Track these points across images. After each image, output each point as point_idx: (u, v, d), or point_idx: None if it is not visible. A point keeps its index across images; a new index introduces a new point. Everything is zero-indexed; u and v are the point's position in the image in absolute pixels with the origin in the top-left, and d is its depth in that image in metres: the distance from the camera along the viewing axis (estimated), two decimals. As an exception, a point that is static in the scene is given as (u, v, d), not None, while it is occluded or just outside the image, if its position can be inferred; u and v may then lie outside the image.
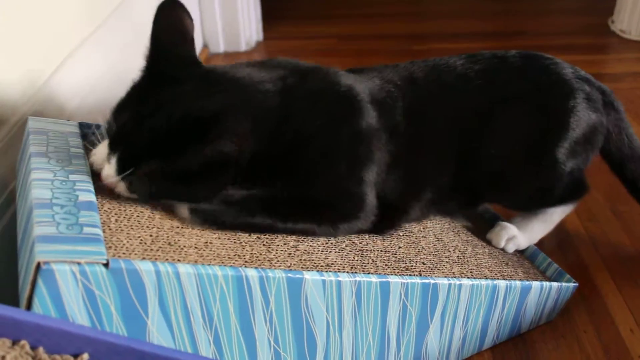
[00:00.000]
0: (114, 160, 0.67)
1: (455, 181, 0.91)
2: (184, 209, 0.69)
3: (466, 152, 0.90)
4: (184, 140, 0.65)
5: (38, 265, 0.51)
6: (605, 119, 0.97)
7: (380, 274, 0.74)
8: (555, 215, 1.02)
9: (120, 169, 0.66)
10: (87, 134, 0.79)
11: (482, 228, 1.02)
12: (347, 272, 0.72)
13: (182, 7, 0.72)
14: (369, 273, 0.73)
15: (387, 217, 0.83)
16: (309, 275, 0.65)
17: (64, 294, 0.53)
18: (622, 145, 1.02)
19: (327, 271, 0.68)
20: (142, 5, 1.35)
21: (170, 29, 0.72)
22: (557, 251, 1.08)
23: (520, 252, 1.01)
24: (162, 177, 0.66)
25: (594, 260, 1.06)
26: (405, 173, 0.86)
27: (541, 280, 0.92)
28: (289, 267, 0.68)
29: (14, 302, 0.56)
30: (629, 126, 1.03)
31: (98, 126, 0.79)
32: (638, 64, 1.85)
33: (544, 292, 0.89)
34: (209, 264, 0.62)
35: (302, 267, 0.69)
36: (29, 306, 0.52)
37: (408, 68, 0.93)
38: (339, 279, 0.67)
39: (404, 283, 0.73)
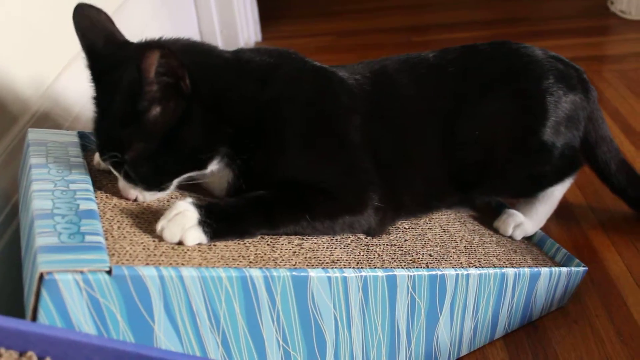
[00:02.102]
0: (108, 163, 0.68)
1: (447, 174, 0.90)
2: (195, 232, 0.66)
3: (450, 142, 0.89)
4: (132, 100, 0.65)
5: (41, 276, 0.51)
6: (583, 95, 0.95)
7: (386, 267, 0.73)
8: (556, 193, 1.01)
9: (117, 168, 0.68)
10: (87, 143, 0.79)
11: (488, 217, 1.01)
12: (353, 267, 0.72)
13: (90, 7, 0.74)
14: (375, 267, 0.73)
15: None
16: (313, 273, 0.65)
17: (68, 303, 0.53)
18: (597, 127, 1.00)
19: (332, 267, 0.67)
20: (137, 10, 1.36)
21: (90, 29, 0.73)
22: (564, 235, 1.07)
23: (528, 239, 1.01)
24: (146, 149, 0.67)
25: (602, 242, 1.06)
26: (387, 162, 0.85)
27: (550, 266, 0.91)
28: (294, 265, 0.68)
29: (21, 313, 0.56)
30: (599, 109, 1.01)
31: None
32: (640, 43, 1.83)
33: (553, 277, 0.88)
34: (213, 267, 0.62)
35: (307, 265, 0.69)
36: (34, 317, 0.52)
37: (380, 62, 0.93)
38: (345, 274, 0.67)
39: (411, 276, 0.72)
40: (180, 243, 0.64)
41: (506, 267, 0.85)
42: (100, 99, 0.71)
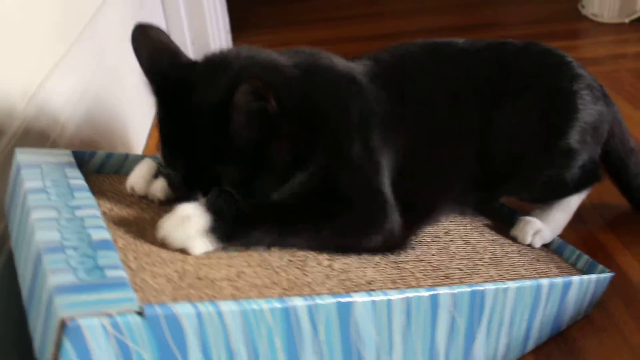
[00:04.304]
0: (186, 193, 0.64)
1: (475, 170, 0.87)
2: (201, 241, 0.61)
3: (483, 137, 0.86)
4: (221, 124, 0.62)
5: (62, 323, 0.43)
6: (607, 108, 0.95)
7: (425, 286, 0.68)
8: (572, 203, 0.99)
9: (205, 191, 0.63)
10: (83, 162, 0.71)
11: (502, 225, 0.97)
12: (391, 288, 0.66)
13: (150, 27, 0.70)
14: (413, 287, 0.67)
15: (407, 222, 0.77)
16: (359, 298, 0.58)
17: (94, 352, 0.45)
18: (623, 139, 0.99)
19: (375, 290, 0.61)
20: (107, 21, 1.27)
21: (153, 51, 0.69)
22: (574, 240, 1.04)
23: (546, 246, 0.97)
24: (239, 174, 0.64)
25: (615, 246, 1.03)
26: (421, 163, 0.81)
27: (575, 274, 0.88)
28: (330, 289, 0.61)
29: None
30: (623, 121, 1.01)
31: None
32: (616, 46, 1.85)
33: (583, 286, 0.84)
34: (247, 297, 0.55)
35: (343, 288, 0.63)
36: (54, 372, 0.44)
37: (406, 51, 0.90)
38: (390, 297, 0.61)
39: (453, 293, 0.67)
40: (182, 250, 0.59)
41: (536, 277, 0.81)
42: (176, 126, 0.66)
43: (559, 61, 0.92)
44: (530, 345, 0.84)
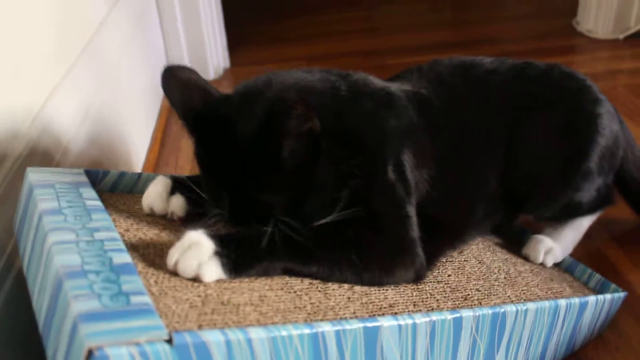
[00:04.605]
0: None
1: (499, 193, 0.87)
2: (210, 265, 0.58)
3: (506, 158, 0.87)
4: (266, 153, 0.62)
5: (90, 353, 0.41)
6: (622, 131, 0.96)
7: (445, 308, 0.67)
8: (584, 224, 0.99)
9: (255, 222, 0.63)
10: (95, 181, 0.69)
11: (512, 244, 0.96)
12: (412, 311, 0.64)
13: (177, 68, 0.69)
14: (434, 309, 0.66)
15: (433, 243, 0.76)
16: (386, 322, 0.57)
17: (121, 383, 0.43)
18: (637, 163, 1.01)
19: (401, 314, 0.60)
20: (108, 40, 1.26)
21: (183, 92, 0.69)
22: (584, 257, 1.04)
23: (557, 265, 0.96)
24: (286, 200, 0.63)
25: (623, 263, 1.03)
26: (449, 184, 0.80)
27: (588, 293, 0.87)
28: (354, 313, 0.60)
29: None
30: (635, 145, 1.03)
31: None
32: (611, 62, 1.87)
33: (598, 306, 0.84)
34: (272, 322, 0.54)
35: (366, 312, 0.61)
36: (81, 404, 0.42)
37: (433, 70, 0.90)
38: (415, 321, 0.59)
39: (476, 316, 0.66)
40: (195, 279, 0.57)
41: (551, 297, 0.80)
42: (218, 162, 0.65)
43: (581, 85, 0.93)
44: (546, 366, 0.83)
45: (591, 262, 1.02)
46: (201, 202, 0.69)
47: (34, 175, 0.64)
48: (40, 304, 0.52)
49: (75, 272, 0.49)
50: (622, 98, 1.62)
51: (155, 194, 0.68)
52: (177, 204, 0.69)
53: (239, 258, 0.59)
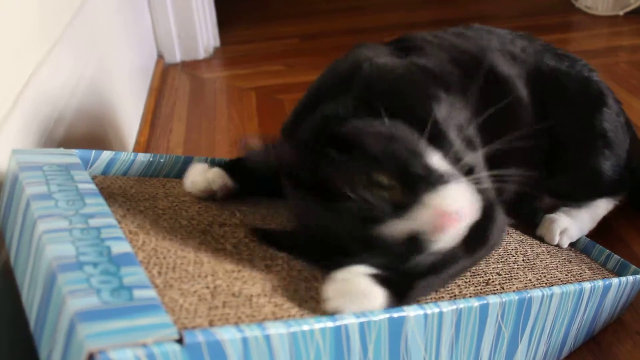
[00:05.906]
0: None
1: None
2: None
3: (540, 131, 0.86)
4: None
5: (90, 356, 0.36)
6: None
7: (468, 294, 0.62)
8: (600, 209, 0.96)
9: None
10: (88, 162, 0.63)
11: (525, 224, 0.92)
12: (435, 298, 0.60)
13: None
14: (457, 296, 0.62)
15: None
16: (412, 312, 0.52)
17: (127, 389, 0.38)
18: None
19: (427, 303, 0.55)
20: (93, 16, 1.19)
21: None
22: (595, 234, 1.00)
23: (573, 246, 0.92)
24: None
25: (629, 233, 1.00)
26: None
27: (607, 275, 0.83)
28: (375, 302, 0.55)
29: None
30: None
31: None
32: (611, 38, 1.83)
33: (621, 288, 0.80)
34: (288, 314, 0.49)
35: (387, 300, 0.56)
36: (81, 414, 0.37)
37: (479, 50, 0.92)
38: (442, 309, 0.55)
39: (502, 302, 0.61)
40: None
41: (572, 281, 0.76)
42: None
43: (587, 77, 0.94)
44: (566, 351, 0.80)
45: (600, 237, 0.99)
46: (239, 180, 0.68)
47: (19, 156, 0.58)
48: (31, 299, 0.47)
49: (70, 264, 0.44)
50: (627, 75, 1.58)
51: (196, 171, 0.67)
52: (217, 174, 0.67)
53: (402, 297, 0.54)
